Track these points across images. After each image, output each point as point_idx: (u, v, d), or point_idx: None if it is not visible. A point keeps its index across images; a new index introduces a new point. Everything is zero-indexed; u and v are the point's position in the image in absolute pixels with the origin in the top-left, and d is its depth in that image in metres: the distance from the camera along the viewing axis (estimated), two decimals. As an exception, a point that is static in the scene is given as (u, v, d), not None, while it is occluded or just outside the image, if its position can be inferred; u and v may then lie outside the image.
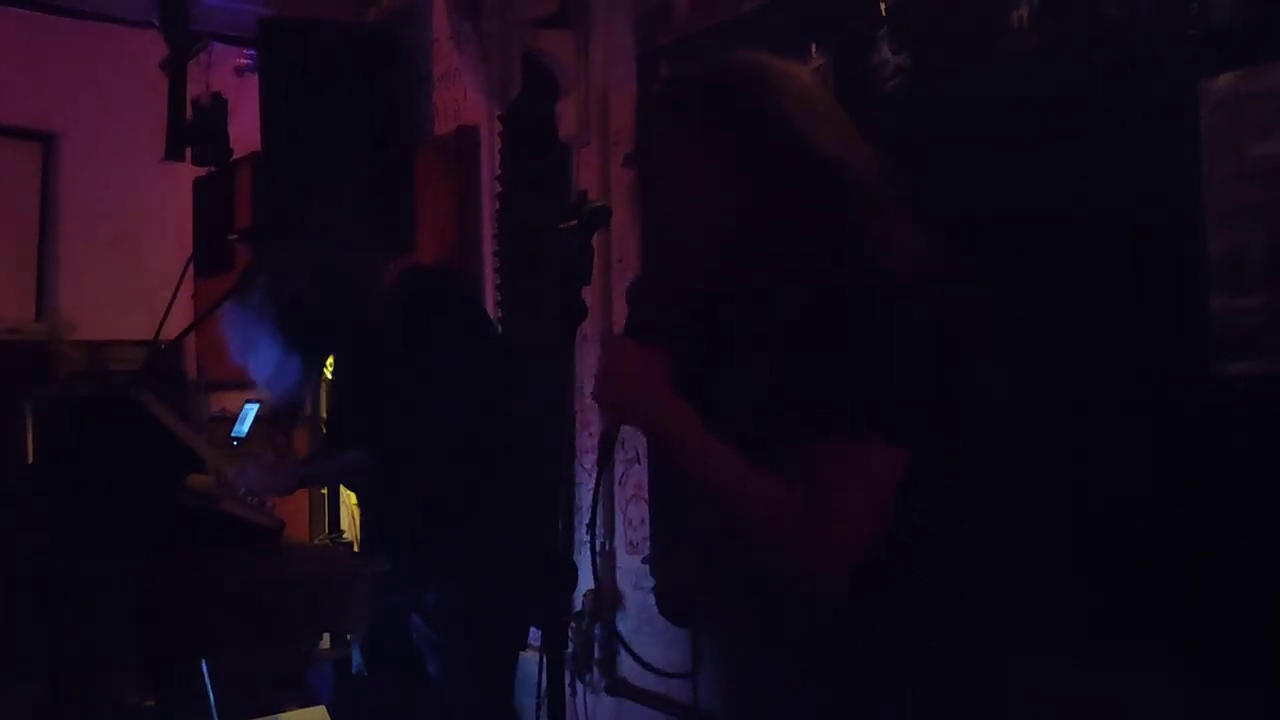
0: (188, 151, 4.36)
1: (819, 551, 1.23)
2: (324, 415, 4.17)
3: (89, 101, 5.22)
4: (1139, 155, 1.83)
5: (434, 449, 2.23)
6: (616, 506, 3.08)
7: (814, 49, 2.44)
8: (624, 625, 3.03)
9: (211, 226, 5.06)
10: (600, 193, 3.18)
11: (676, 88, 1.44)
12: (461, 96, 3.87)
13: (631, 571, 2.99)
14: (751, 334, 1.36)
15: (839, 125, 1.36)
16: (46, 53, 4.95)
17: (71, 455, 2.21)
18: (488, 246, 3.67)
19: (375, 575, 2.16)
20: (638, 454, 2.90)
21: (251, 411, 4.29)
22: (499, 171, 3.62)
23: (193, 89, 4.38)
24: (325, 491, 3.97)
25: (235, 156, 4.48)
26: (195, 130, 4.30)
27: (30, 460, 4.02)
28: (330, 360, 3.64)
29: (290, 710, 3.07)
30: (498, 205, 3.63)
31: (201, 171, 4.80)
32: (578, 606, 3.03)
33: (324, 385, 3.98)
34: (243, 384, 4.79)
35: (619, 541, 3.07)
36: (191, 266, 5.10)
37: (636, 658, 1.66)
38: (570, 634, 2.89)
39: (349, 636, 3.35)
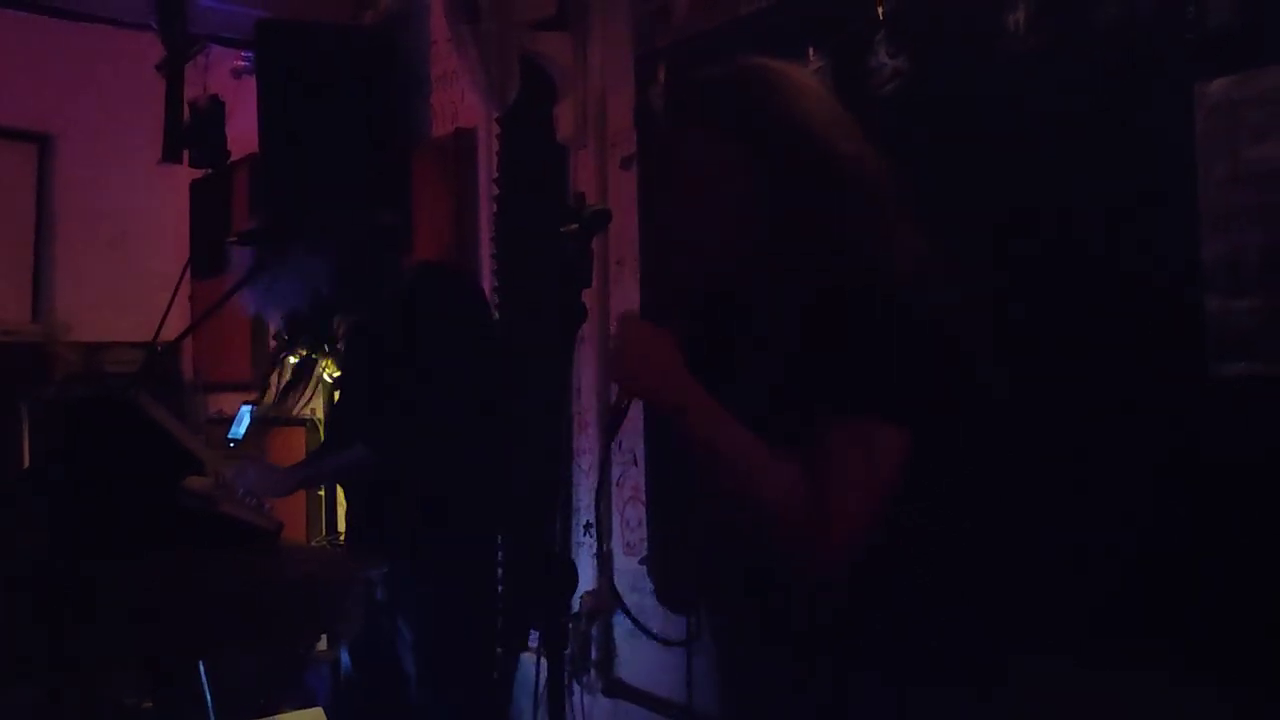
0: (185, 154, 4.35)
1: (825, 523, 1.25)
2: (321, 418, 4.18)
3: (86, 103, 5.21)
4: (1135, 158, 1.85)
5: (433, 448, 2.23)
6: (614, 508, 3.08)
7: (812, 51, 2.45)
8: (620, 626, 3.04)
9: (208, 228, 5.06)
10: (598, 195, 3.18)
11: (691, 89, 1.46)
12: (459, 98, 3.87)
13: (629, 573, 2.99)
14: (760, 326, 1.39)
15: (845, 125, 1.39)
16: (43, 54, 4.95)
17: (71, 456, 2.21)
18: (485, 248, 3.67)
19: (371, 576, 2.17)
20: (635, 456, 2.90)
21: (248, 413, 4.28)
22: (496, 174, 3.63)
23: (190, 91, 4.37)
24: (323, 493, 3.96)
25: (232, 159, 4.48)
26: (192, 132, 4.29)
27: (26, 461, 4.01)
28: (330, 364, 3.66)
29: (288, 712, 3.07)
30: (495, 207, 3.63)
31: (198, 173, 4.79)
32: (575, 608, 3.03)
33: (323, 387, 3.99)
34: (239, 386, 4.82)
35: (616, 543, 3.07)
36: (190, 268, 5.12)
37: (636, 621, 1.68)
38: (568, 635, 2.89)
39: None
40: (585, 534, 3.13)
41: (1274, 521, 1.63)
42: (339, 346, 2.61)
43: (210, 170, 4.61)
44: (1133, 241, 1.84)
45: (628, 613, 1.65)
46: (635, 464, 2.89)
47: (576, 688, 2.94)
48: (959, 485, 1.36)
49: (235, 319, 4.44)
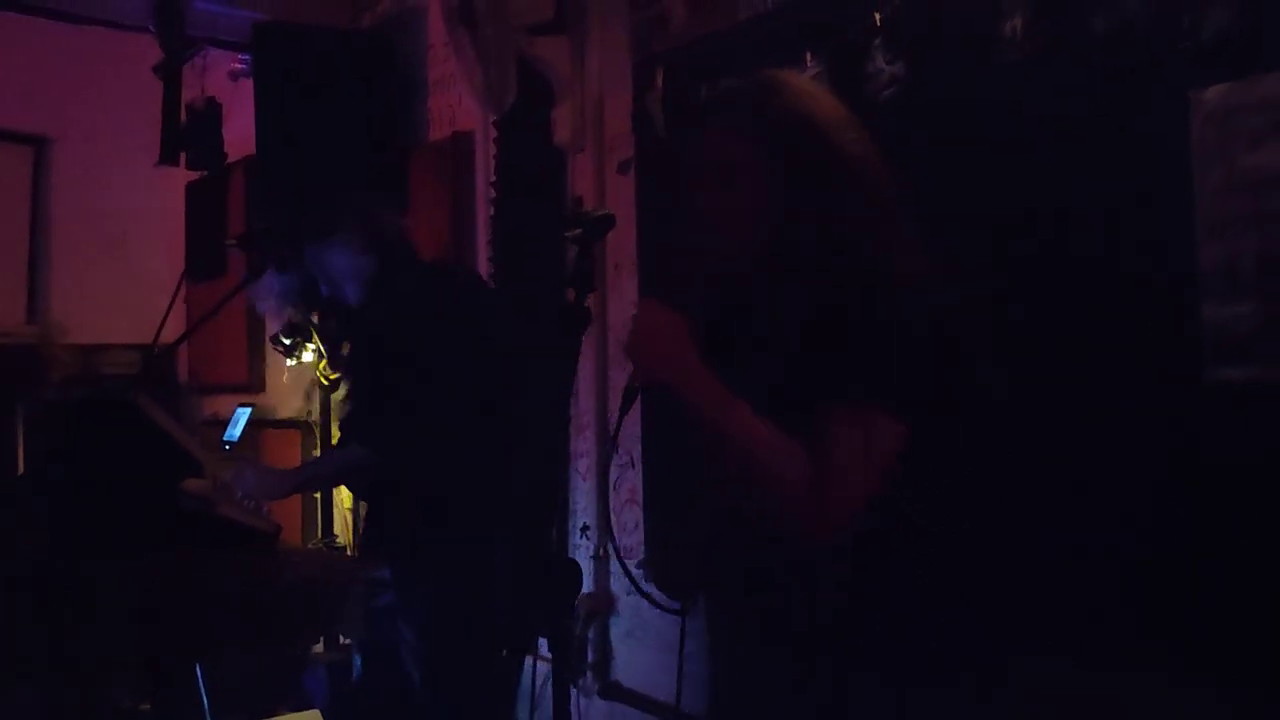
0: (182, 156, 4.35)
1: (825, 496, 1.29)
2: (316, 420, 4.19)
3: (82, 105, 5.20)
4: (1132, 164, 1.86)
5: (431, 449, 2.23)
6: (611, 511, 3.09)
7: (810, 57, 2.46)
8: (616, 629, 3.04)
9: (204, 231, 5.05)
10: (596, 199, 3.19)
11: (719, 98, 1.56)
12: (456, 102, 3.88)
13: (625, 575, 3.00)
14: (762, 325, 1.43)
15: (853, 129, 1.44)
16: (39, 56, 4.94)
17: (71, 457, 2.22)
18: (482, 252, 3.68)
19: (374, 579, 2.17)
20: (632, 459, 2.91)
21: (244, 415, 4.29)
22: (494, 177, 3.63)
23: (187, 94, 4.37)
24: (319, 496, 3.97)
25: (229, 161, 4.48)
26: (189, 135, 4.29)
27: (21, 463, 4.00)
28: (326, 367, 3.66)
29: (285, 714, 3.07)
30: (493, 211, 3.64)
31: (194, 176, 4.79)
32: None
33: (319, 389, 4.00)
34: (235, 388, 4.82)
35: (613, 547, 3.08)
36: (185, 270, 5.12)
37: (640, 588, 1.69)
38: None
39: (343, 640, 3.36)
40: (582, 536, 3.14)
41: (1271, 523, 1.65)
42: (343, 350, 2.61)
43: (207, 173, 4.62)
44: (1129, 247, 1.85)
45: (626, 570, 1.67)
46: (633, 466, 2.90)
47: (573, 690, 2.94)
48: (959, 486, 1.38)
49: (231, 321, 4.45)
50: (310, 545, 3.83)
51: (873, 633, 1.34)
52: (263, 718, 2.84)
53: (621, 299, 2.98)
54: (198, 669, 2.37)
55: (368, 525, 2.51)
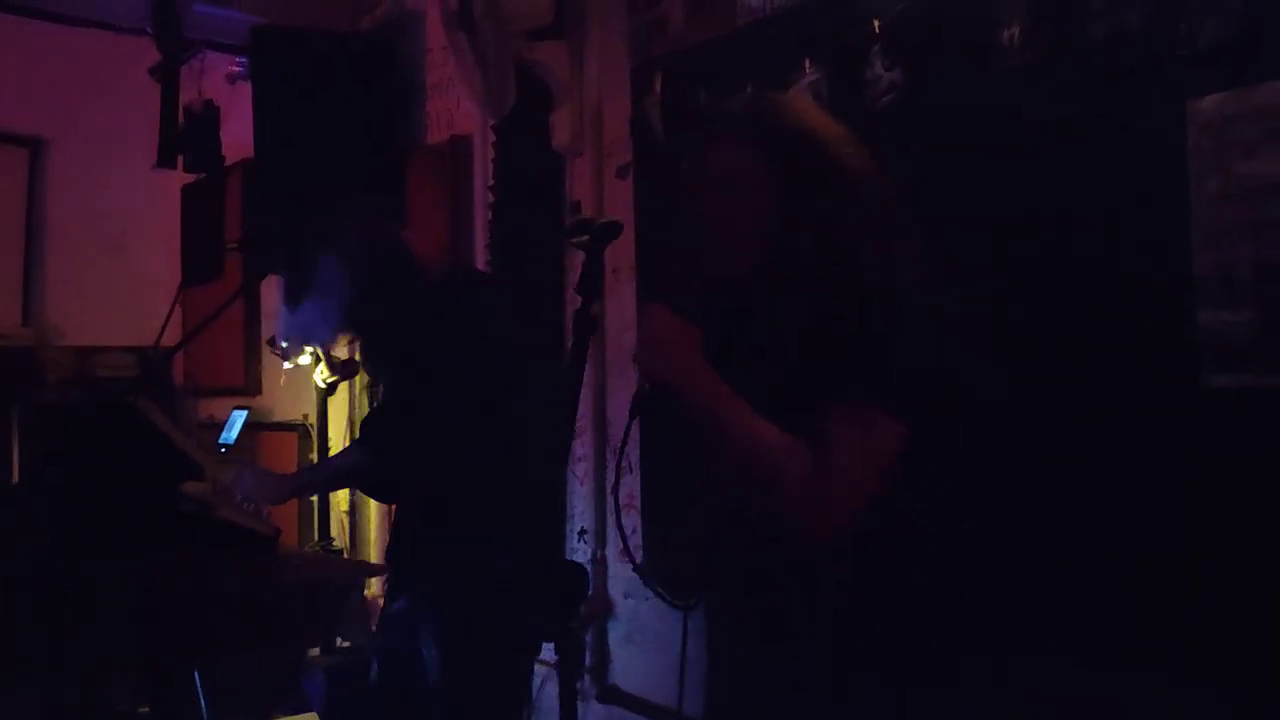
0: (179, 159, 4.36)
1: (827, 492, 1.32)
2: (313, 422, 4.20)
3: (78, 107, 5.20)
4: (1129, 172, 1.88)
5: (427, 451, 2.23)
6: (609, 515, 3.10)
7: (808, 63, 2.48)
8: (615, 633, 3.05)
9: (201, 234, 5.06)
10: (594, 203, 3.21)
11: (724, 114, 1.59)
12: (454, 106, 3.89)
13: (623, 580, 3.01)
14: (770, 327, 1.46)
15: (852, 144, 1.49)
16: (35, 58, 4.93)
17: (71, 460, 2.22)
18: (480, 256, 3.69)
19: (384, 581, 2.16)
20: (630, 463, 2.92)
21: (240, 418, 4.29)
22: (492, 181, 3.65)
23: (184, 96, 4.38)
24: (315, 499, 3.96)
25: (226, 164, 4.49)
26: (187, 138, 4.30)
27: (16, 465, 4.00)
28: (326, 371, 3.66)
29: (282, 717, 3.07)
30: (490, 215, 3.65)
31: (190, 178, 4.79)
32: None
33: (317, 392, 4.00)
34: (231, 391, 4.82)
35: (611, 550, 3.09)
36: (181, 273, 5.13)
37: (650, 584, 1.71)
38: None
39: (341, 643, 3.36)
40: (579, 540, 3.14)
41: (1268, 526, 1.66)
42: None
43: (204, 175, 4.62)
44: (1130, 250, 1.87)
45: (630, 555, 1.69)
46: (630, 471, 2.91)
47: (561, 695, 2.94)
48: (959, 486, 1.40)
49: (227, 324, 4.46)
50: (307, 548, 3.83)
51: (873, 633, 1.36)
52: (260, 720, 2.84)
53: (620, 303, 2.99)
54: (195, 672, 2.37)
55: (391, 532, 2.49)
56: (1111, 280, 1.89)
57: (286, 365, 3.78)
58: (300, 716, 2.85)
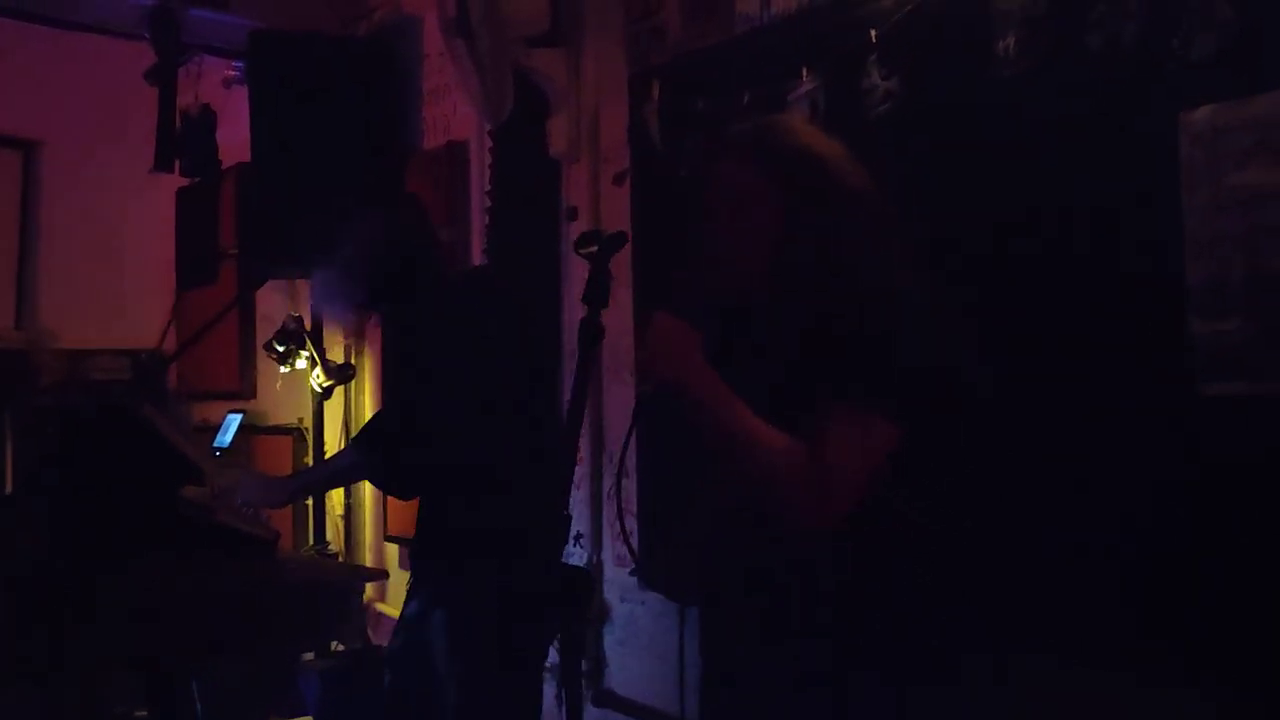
0: (176, 163, 4.36)
1: (821, 484, 1.36)
2: (308, 426, 4.20)
3: (71, 110, 5.19)
4: (1123, 181, 1.91)
5: (423, 453, 2.23)
6: (604, 520, 3.11)
7: (806, 72, 2.50)
8: (610, 637, 3.06)
9: (195, 237, 5.06)
10: (591, 210, 3.23)
11: (729, 138, 1.65)
12: (451, 111, 3.90)
13: (618, 584, 3.02)
14: (770, 333, 1.52)
15: (851, 163, 1.55)
16: (28, 60, 4.92)
17: (71, 463, 2.23)
18: (477, 261, 3.70)
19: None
20: (626, 468, 2.93)
21: (234, 422, 4.29)
22: (489, 187, 3.66)
23: (180, 100, 4.38)
24: (310, 502, 3.97)
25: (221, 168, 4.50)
26: (183, 142, 4.30)
27: (10, 467, 4.00)
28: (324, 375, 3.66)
29: (278, 721, 3.07)
30: (487, 220, 3.66)
31: (184, 181, 4.79)
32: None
33: (312, 396, 4.00)
34: (225, 394, 4.82)
35: (607, 555, 3.10)
36: (176, 277, 5.13)
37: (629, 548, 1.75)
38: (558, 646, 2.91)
39: (336, 647, 3.36)
40: (575, 544, 3.15)
41: (1263, 528, 1.69)
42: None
43: (200, 179, 4.62)
44: (1130, 253, 1.89)
45: (628, 544, 1.72)
46: (627, 476, 2.92)
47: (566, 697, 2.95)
48: (959, 485, 1.44)
49: (222, 327, 4.45)
50: (302, 552, 3.83)
51: (873, 632, 1.38)
52: (256, 723, 2.84)
53: (617, 310, 2.98)
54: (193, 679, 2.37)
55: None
56: (1106, 286, 1.91)
57: (283, 370, 3.78)
58: (296, 720, 2.85)
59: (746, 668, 1.52)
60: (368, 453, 2.36)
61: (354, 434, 3.58)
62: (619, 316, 2.98)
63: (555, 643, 1.99)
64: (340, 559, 4.01)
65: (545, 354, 2.89)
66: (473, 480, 2.20)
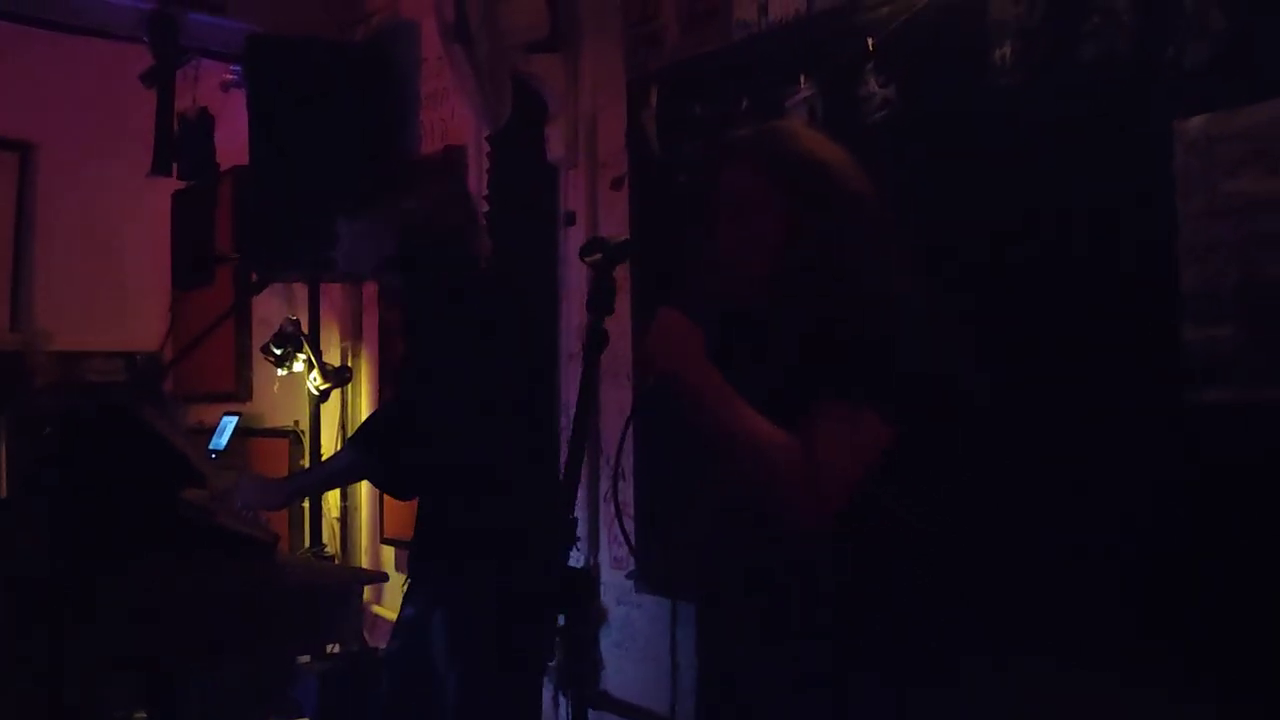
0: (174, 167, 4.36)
1: (815, 480, 1.37)
2: (304, 429, 4.20)
3: (67, 112, 5.20)
4: (1117, 189, 1.93)
5: (428, 452, 2.24)
6: (601, 523, 3.12)
7: (803, 79, 2.52)
8: (606, 639, 3.07)
9: (191, 240, 5.06)
10: (589, 215, 3.24)
11: (732, 144, 1.65)
12: (449, 116, 3.91)
13: (615, 586, 3.03)
14: (771, 335, 1.53)
15: (854, 169, 1.57)
16: (23, 62, 4.93)
17: (72, 463, 2.23)
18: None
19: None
20: (623, 471, 2.94)
21: (230, 424, 4.29)
22: (486, 191, 3.67)
23: (177, 103, 4.39)
24: (306, 505, 3.97)
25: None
26: (181, 145, 4.31)
27: (5, 468, 4.00)
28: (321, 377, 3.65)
29: (274, 723, 3.07)
30: (484, 225, 3.67)
31: (179, 184, 4.80)
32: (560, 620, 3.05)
33: (309, 398, 4.00)
34: (220, 396, 4.82)
35: (604, 557, 3.11)
36: (172, 279, 5.13)
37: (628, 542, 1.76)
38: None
39: (332, 649, 3.36)
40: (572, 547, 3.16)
41: (1259, 530, 1.71)
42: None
43: (198, 183, 4.63)
44: (1129, 255, 1.91)
45: (627, 538, 1.74)
46: (624, 478, 2.93)
47: (562, 699, 2.97)
48: (958, 488, 1.45)
49: (217, 329, 4.45)
50: (298, 554, 3.83)
51: (873, 633, 1.40)
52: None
53: (615, 313, 3.01)
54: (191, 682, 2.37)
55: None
56: (1100, 292, 1.93)
57: (280, 372, 3.79)
58: (292, 723, 2.85)
59: (746, 668, 1.53)
60: (365, 453, 2.37)
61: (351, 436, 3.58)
62: (616, 320, 2.98)
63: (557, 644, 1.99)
64: (336, 561, 4.01)
65: (545, 355, 2.90)
66: (473, 480, 2.20)
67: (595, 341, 1.48)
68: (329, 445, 4.10)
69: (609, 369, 3.05)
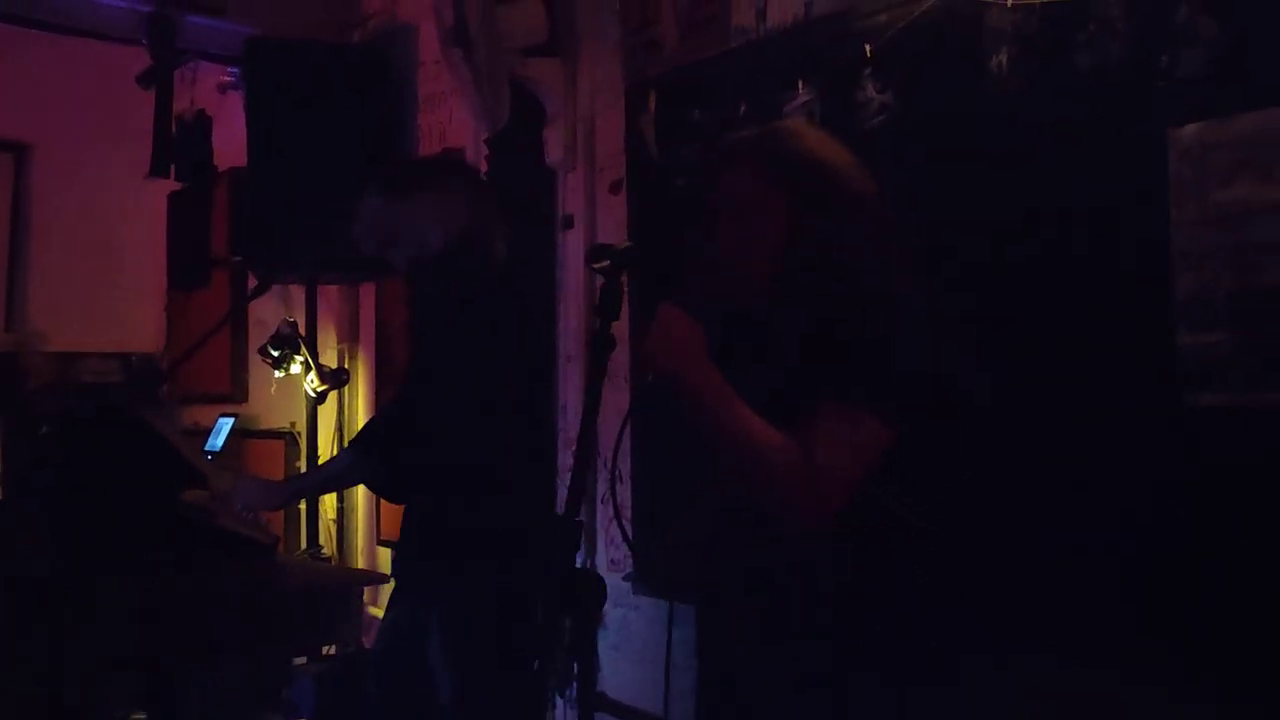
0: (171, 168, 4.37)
1: (813, 480, 1.37)
2: (301, 430, 4.21)
3: (62, 112, 5.20)
4: (1112, 196, 1.95)
5: (427, 455, 2.24)
6: (598, 525, 3.13)
7: (801, 84, 2.54)
8: (603, 641, 3.08)
9: (187, 241, 5.06)
10: (587, 219, 3.25)
11: (734, 145, 1.67)
12: (447, 119, 3.92)
13: (612, 588, 3.04)
14: (772, 335, 1.54)
15: (857, 169, 1.57)
16: (19, 63, 4.93)
17: (72, 464, 2.24)
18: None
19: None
20: (621, 473, 2.95)
21: (226, 426, 4.30)
22: (484, 194, 3.67)
23: (174, 105, 4.39)
24: (303, 506, 3.97)
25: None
26: (179, 147, 4.31)
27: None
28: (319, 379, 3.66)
29: (270, 724, 3.08)
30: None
31: (175, 185, 4.80)
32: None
33: (306, 400, 4.01)
34: (216, 398, 4.82)
35: (600, 560, 3.12)
36: (168, 281, 5.14)
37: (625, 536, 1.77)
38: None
39: (327, 650, 3.37)
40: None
41: (1258, 531, 1.73)
42: None
43: (195, 184, 4.63)
44: (1129, 256, 1.93)
45: (625, 535, 1.75)
46: (621, 481, 2.94)
47: (559, 701, 2.97)
48: (958, 487, 1.46)
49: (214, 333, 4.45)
50: (295, 556, 3.83)
51: (873, 632, 1.41)
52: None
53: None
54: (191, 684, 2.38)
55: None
56: (1096, 294, 1.96)
57: (277, 374, 3.79)
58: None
59: (746, 668, 1.53)
60: (365, 455, 2.37)
61: (348, 438, 3.59)
62: (616, 324, 3.00)
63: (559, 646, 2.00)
64: (333, 562, 4.01)
65: (544, 355, 2.90)
66: (473, 480, 2.20)
67: (602, 346, 1.49)
68: (325, 447, 4.11)
69: (608, 370, 3.06)
